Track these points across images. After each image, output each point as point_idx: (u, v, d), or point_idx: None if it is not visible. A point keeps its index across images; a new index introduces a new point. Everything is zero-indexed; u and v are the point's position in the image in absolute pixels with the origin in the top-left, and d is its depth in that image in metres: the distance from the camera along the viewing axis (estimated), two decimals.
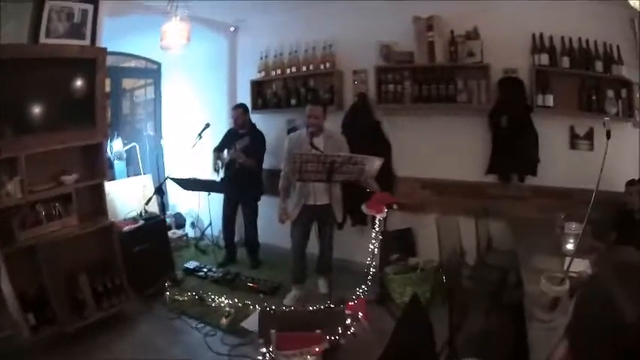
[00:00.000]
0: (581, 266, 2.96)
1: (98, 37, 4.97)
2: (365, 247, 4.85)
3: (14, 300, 4.21)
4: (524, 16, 4.85)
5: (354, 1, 5.73)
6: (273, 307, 4.68)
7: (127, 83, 8.54)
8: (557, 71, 4.78)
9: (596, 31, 4.68)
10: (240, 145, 5.94)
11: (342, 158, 4.18)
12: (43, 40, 4.52)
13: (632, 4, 3.15)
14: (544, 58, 4.79)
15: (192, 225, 7.80)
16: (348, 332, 4.02)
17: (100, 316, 4.74)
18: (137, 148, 7.72)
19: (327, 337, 3.79)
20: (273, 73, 6.58)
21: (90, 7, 4.84)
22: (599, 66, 4.68)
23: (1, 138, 4.20)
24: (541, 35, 4.81)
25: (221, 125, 6.63)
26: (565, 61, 4.74)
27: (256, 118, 6.58)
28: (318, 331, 3.78)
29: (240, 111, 6.25)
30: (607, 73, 4.66)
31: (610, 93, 4.67)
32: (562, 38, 4.77)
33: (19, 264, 4.26)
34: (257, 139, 6.18)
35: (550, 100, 4.78)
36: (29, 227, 4.36)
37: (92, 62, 4.83)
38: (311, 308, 4.68)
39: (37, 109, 4.55)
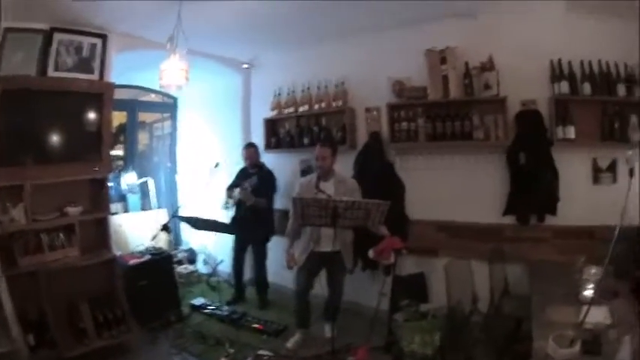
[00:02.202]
0: (598, 316, 2.81)
1: (107, 72, 5.03)
2: (374, 291, 4.73)
3: (15, 320, 4.17)
4: (541, 42, 4.68)
5: (365, 37, 5.66)
6: (268, 354, 4.60)
7: (147, 117, 8.60)
8: (578, 99, 4.59)
9: (616, 52, 4.53)
10: (250, 184, 5.89)
11: (344, 203, 4.06)
12: (51, 73, 4.60)
13: None
14: (564, 86, 4.60)
15: (204, 262, 7.70)
16: None
17: (100, 344, 4.73)
18: (151, 182, 7.74)
19: None
20: (286, 110, 6.50)
21: (99, 42, 4.93)
22: (621, 89, 4.51)
23: (21, 165, 4.36)
24: (559, 61, 4.63)
25: (234, 163, 6.55)
26: (586, 88, 4.56)
27: (270, 157, 6.57)
28: None
29: (251, 150, 6.24)
30: (630, 96, 4.49)
31: (634, 118, 4.47)
32: (581, 62, 4.59)
33: (21, 287, 4.26)
34: (266, 178, 6.12)
35: (571, 131, 4.57)
36: (31, 254, 4.45)
37: (100, 97, 4.88)
38: (312, 354, 4.61)
39: (44, 141, 4.65)
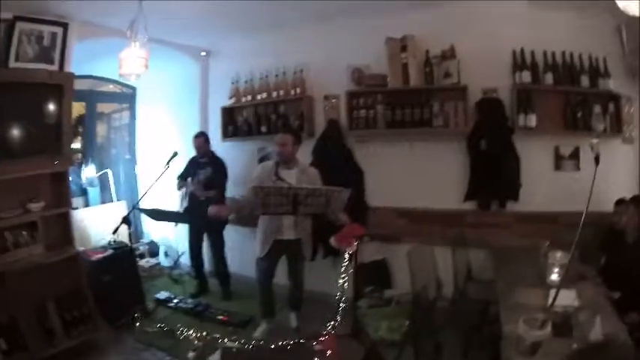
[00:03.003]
0: (567, 299, 2.84)
1: (67, 61, 4.89)
2: (337, 278, 4.65)
3: None
4: (504, 32, 4.74)
5: (324, 24, 5.61)
6: (236, 347, 4.57)
7: (105, 107, 8.44)
8: (540, 89, 4.66)
9: (580, 44, 4.62)
10: (202, 175, 5.91)
11: (305, 190, 4.05)
12: (12, 64, 4.47)
13: (624, 9, 2.92)
14: (526, 76, 4.68)
15: (165, 254, 7.64)
16: None
17: (69, 344, 4.66)
18: (110, 174, 7.62)
19: None
20: (244, 99, 6.46)
21: (59, 30, 4.79)
22: (584, 80, 4.60)
23: None
24: (522, 51, 4.69)
25: (193, 153, 6.40)
26: (548, 78, 4.63)
27: (227, 146, 6.54)
28: None
29: (201, 140, 6.14)
30: (594, 88, 4.58)
31: (597, 108, 4.61)
32: (544, 53, 4.66)
33: None
34: (218, 169, 6.06)
35: (533, 120, 4.65)
36: None
37: (60, 88, 4.75)
38: (279, 344, 4.53)
39: (4, 135, 4.49)
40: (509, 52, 4.74)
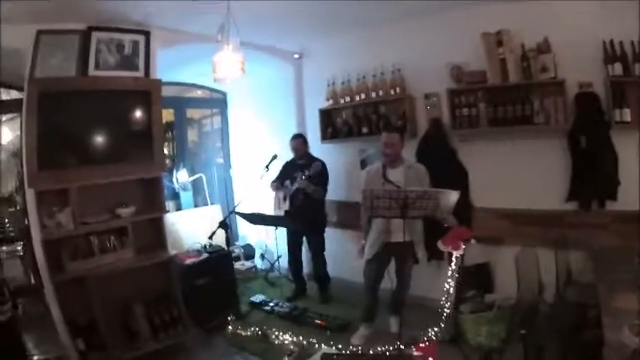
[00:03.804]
0: None
1: (152, 68, 4.96)
2: (441, 283, 4.59)
3: (63, 325, 4.26)
4: (592, 22, 4.50)
5: (418, 21, 5.52)
6: (337, 352, 4.48)
7: (194, 113, 8.60)
8: (632, 81, 4.38)
9: None
10: (307, 173, 5.78)
11: (415, 193, 3.94)
12: (92, 72, 4.53)
13: None
14: (618, 68, 4.41)
15: (262, 257, 7.66)
16: None
17: (155, 347, 4.71)
18: (204, 178, 7.70)
19: None
20: (342, 100, 6.36)
21: (141, 38, 4.87)
22: None
23: (65, 168, 4.33)
24: (611, 42, 4.43)
25: (290, 156, 6.39)
26: (637, 69, 4.35)
27: (327, 148, 6.48)
28: None
29: (299, 141, 6.13)
30: None
31: None
32: (632, 43, 4.37)
33: (70, 292, 4.27)
34: (318, 168, 5.96)
35: (627, 114, 4.38)
36: (80, 259, 4.40)
37: (147, 94, 4.82)
38: (379, 349, 4.46)
39: (91, 142, 4.61)
40: (599, 43, 4.47)
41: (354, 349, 4.65)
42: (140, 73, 4.84)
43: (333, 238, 6.27)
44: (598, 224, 4.62)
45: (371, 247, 4.80)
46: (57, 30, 4.39)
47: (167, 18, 4.87)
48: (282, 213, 6.18)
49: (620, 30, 4.38)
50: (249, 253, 7.78)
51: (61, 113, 4.35)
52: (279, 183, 6.21)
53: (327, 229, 6.24)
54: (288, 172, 6.18)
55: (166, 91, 5.93)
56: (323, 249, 6.22)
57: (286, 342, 4.85)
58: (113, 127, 4.71)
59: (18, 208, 6.00)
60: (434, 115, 5.53)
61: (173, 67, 6.16)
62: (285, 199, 6.13)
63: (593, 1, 4.46)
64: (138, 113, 4.85)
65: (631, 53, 4.38)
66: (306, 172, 5.79)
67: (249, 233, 8.10)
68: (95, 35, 4.55)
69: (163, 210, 5.09)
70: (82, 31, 4.50)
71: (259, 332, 5.12)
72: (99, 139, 4.64)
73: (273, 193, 6.35)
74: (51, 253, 4.22)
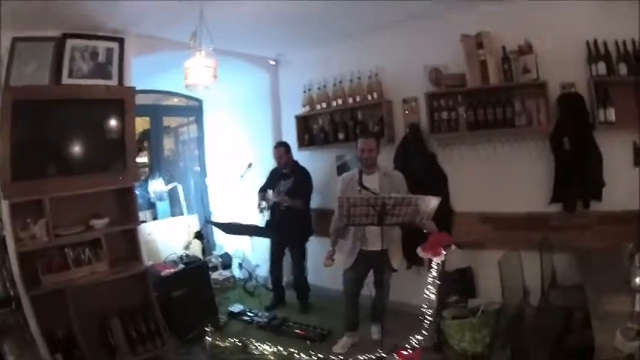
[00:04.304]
0: None
1: (126, 77, 4.89)
2: (422, 289, 4.46)
3: (41, 339, 4.15)
4: (575, 22, 4.50)
5: (397, 26, 5.46)
6: None
7: (171, 121, 8.53)
8: (616, 81, 4.38)
9: None
10: (284, 187, 5.80)
11: (393, 200, 3.86)
12: (65, 80, 4.46)
13: None
14: (601, 67, 4.39)
15: (240, 266, 7.55)
16: None
17: None
18: (179, 188, 7.61)
19: None
20: (318, 106, 6.30)
21: (115, 46, 4.80)
22: None
23: (39, 178, 4.25)
24: (595, 42, 4.42)
25: (267, 163, 6.39)
26: (622, 68, 4.34)
27: (304, 155, 6.40)
28: None
29: (281, 150, 6.03)
30: None
31: None
32: (616, 42, 4.37)
33: (47, 305, 4.17)
34: (301, 179, 5.93)
35: (612, 114, 4.37)
36: (56, 271, 4.32)
37: (120, 102, 4.73)
38: (360, 358, 4.39)
39: (65, 151, 4.53)
40: (581, 43, 4.47)
41: (335, 359, 4.59)
42: (114, 81, 4.76)
43: (311, 246, 6.23)
44: (583, 225, 4.62)
45: (348, 257, 4.76)
46: (32, 37, 4.31)
47: (143, 25, 4.81)
48: (264, 222, 6.13)
49: (604, 30, 4.40)
50: (226, 262, 7.69)
51: (34, 123, 4.26)
52: (263, 193, 6.14)
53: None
54: (273, 180, 6.14)
55: (143, 99, 5.87)
56: (304, 259, 6.19)
57: (266, 352, 4.75)
58: (87, 137, 4.64)
59: None
60: (412, 119, 5.49)
61: (150, 74, 6.11)
62: (267, 208, 6.07)
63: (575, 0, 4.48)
64: (111, 122, 4.77)
65: (615, 53, 4.38)
66: (280, 188, 5.79)
67: (225, 242, 7.99)
68: (70, 42, 4.47)
69: (137, 221, 4.98)
70: (56, 38, 4.43)
71: (239, 343, 4.99)
72: (73, 149, 4.56)
73: (253, 201, 6.27)
74: (26, 266, 4.13)
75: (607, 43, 4.39)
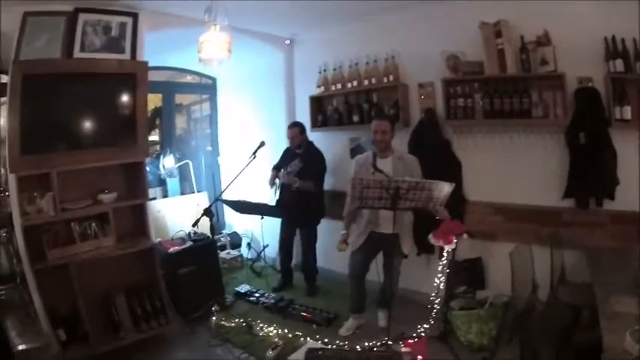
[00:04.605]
0: None
1: (139, 51, 4.83)
2: (432, 277, 4.53)
3: (44, 314, 4.19)
4: (595, 17, 4.38)
5: (414, 9, 5.38)
6: (322, 347, 4.38)
7: (184, 99, 8.47)
8: (632, 78, 4.26)
9: None
10: (293, 167, 5.75)
11: (407, 184, 3.78)
12: (77, 54, 4.41)
13: None
14: (619, 65, 4.28)
15: (248, 246, 7.56)
16: None
17: (137, 337, 4.62)
18: (190, 165, 7.60)
19: None
20: (333, 87, 6.22)
21: (129, 20, 4.75)
22: None
23: (47, 153, 4.22)
24: (613, 38, 4.30)
25: (280, 143, 6.35)
26: (639, 67, 4.23)
27: (317, 136, 6.32)
28: None
29: (295, 130, 5.96)
30: None
31: None
32: (634, 40, 4.24)
33: (51, 280, 4.21)
34: (313, 159, 5.88)
35: (628, 112, 4.27)
36: (61, 246, 4.30)
37: (132, 77, 4.69)
38: (366, 345, 4.40)
39: (75, 126, 4.49)
40: (600, 38, 4.35)
41: (340, 345, 4.57)
42: (126, 56, 4.71)
43: (321, 228, 6.16)
44: (595, 223, 4.53)
45: (357, 238, 4.71)
46: (43, 12, 4.25)
47: (157, 1, 4.75)
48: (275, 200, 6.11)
49: (622, 27, 4.26)
50: (235, 241, 7.68)
51: (44, 97, 4.22)
52: (276, 171, 6.09)
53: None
54: (286, 159, 6.08)
55: (156, 76, 5.81)
56: (314, 241, 6.13)
57: (271, 334, 4.77)
58: (97, 111, 4.60)
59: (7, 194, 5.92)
60: (428, 104, 5.40)
61: (164, 52, 6.07)
62: (278, 186, 6.06)
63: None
64: (122, 97, 4.72)
65: (633, 50, 4.27)
66: (288, 169, 5.76)
67: (235, 222, 7.99)
68: (82, 17, 4.42)
69: (146, 196, 4.95)
70: (68, 13, 4.37)
71: (244, 324, 5.03)
72: (82, 124, 4.52)
73: (264, 180, 6.24)
74: (32, 240, 4.13)
75: (625, 40, 4.28)
